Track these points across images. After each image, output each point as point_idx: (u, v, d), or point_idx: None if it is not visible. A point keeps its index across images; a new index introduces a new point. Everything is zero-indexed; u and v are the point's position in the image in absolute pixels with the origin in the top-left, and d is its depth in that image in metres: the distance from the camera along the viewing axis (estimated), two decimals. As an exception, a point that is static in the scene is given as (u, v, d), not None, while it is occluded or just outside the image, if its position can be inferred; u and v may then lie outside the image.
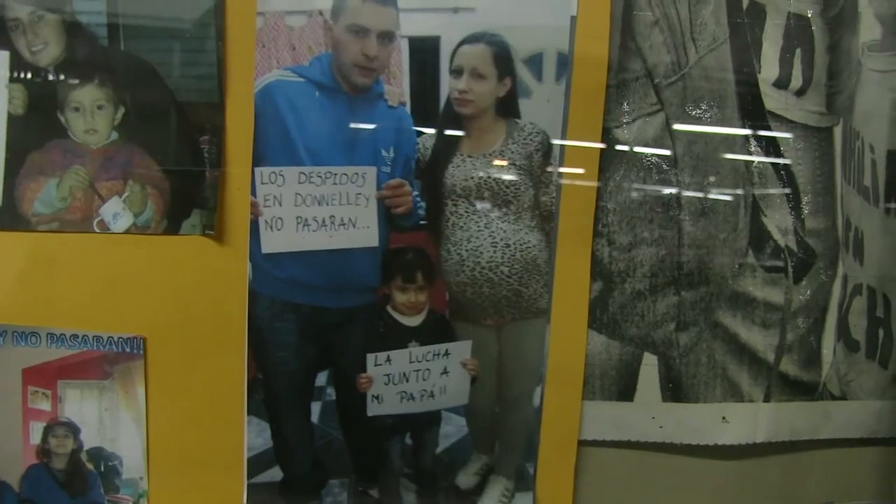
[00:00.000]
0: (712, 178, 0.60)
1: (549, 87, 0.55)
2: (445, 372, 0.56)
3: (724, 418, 0.61)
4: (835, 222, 0.63)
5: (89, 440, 0.55)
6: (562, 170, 0.54)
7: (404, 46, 0.53)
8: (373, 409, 0.55)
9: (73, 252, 0.53)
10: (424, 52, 0.53)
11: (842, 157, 0.63)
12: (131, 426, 0.55)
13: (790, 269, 0.62)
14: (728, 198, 0.60)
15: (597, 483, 0.60)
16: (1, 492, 0.54)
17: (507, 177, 0.55)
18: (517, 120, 0.55)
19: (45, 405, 0.55)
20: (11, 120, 0.52)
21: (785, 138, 0.62)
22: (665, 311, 0.59)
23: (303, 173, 0.53)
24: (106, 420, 0.55)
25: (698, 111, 0.59)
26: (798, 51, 0.62)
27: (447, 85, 0.54)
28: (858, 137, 0.64)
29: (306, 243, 0.53)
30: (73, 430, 0.55)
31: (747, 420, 0.61)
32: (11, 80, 0.52)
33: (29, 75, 0.52)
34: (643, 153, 0.59)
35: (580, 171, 0.56)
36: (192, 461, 0.55)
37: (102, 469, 0.55)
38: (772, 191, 0.61)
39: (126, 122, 0.52)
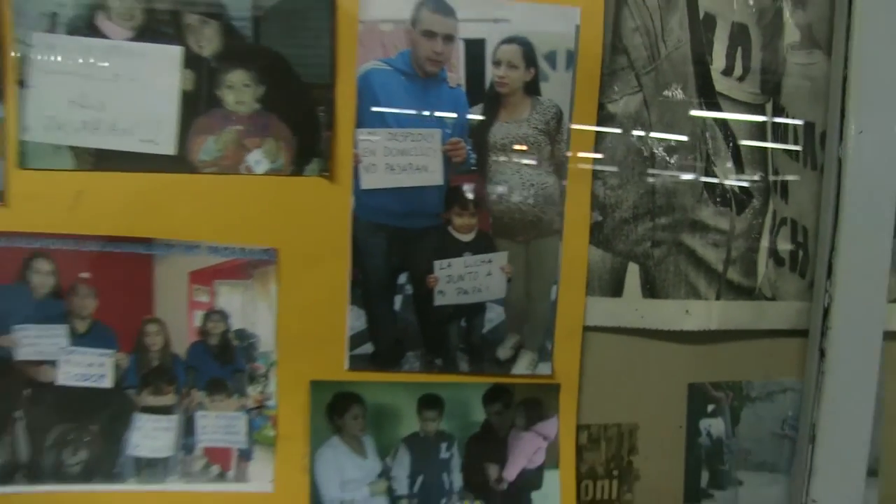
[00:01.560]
0: (677, 140, 0.82)
1: (560, 74, 0.76)
2: (489, 274, 0.77)
3: (687, 311, 0.82)
4: (766, 172, 0.84)
5: (235, 324, 0.76)
6: (573, 126, 0.76)
7: (461, 46, 0.74)
8: (438, 301, 0.76)
9: (227, 188, 0.74)
10: (475, 50, 0.74)
11: (771, 126, 0.85)
12: (266, 313, 0.76)
13: (733, 205, 0.83)
14: (689, 153, 0.82)
15: (596, 358, 0.81)
16: (173, 360, 0.75)
17: (532, 136, 0.76)
18: (539, 97, 0.76)
19: (205, 298, 0.76)
20: (184, 95, 0.73)
21: (729, 112, 0.84)
22: (643, 233, 0.80)
23: (390, 133, 0.74)
24: (248, 309, 0.76)
25: (668, 91, 0.81)
26: (739, 49, 0.83)
27: (490, 72, 0.76)
28: (783, 112, 0.86)
29: (392, 182, 0.74)
30: (224, 316, 0.76)
31: (704, 313, 0.83)
32: (184, 66, 0.73)
33: (197, 63, 0.73)
34: (627, 121, 0.81)
35: (583, 129, 0.77)
36: (310, 338, 0.76)
37: (244, 345, 0.76)
38: (721, 148, 0.83)
39: (266, 95, 0.73)
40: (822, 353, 0.80)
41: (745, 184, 0.82)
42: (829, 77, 0.83)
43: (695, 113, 0.80)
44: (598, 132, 0.77)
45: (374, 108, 0.73)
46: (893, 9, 0.78)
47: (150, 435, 0.75)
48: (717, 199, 0.81)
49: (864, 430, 0.81)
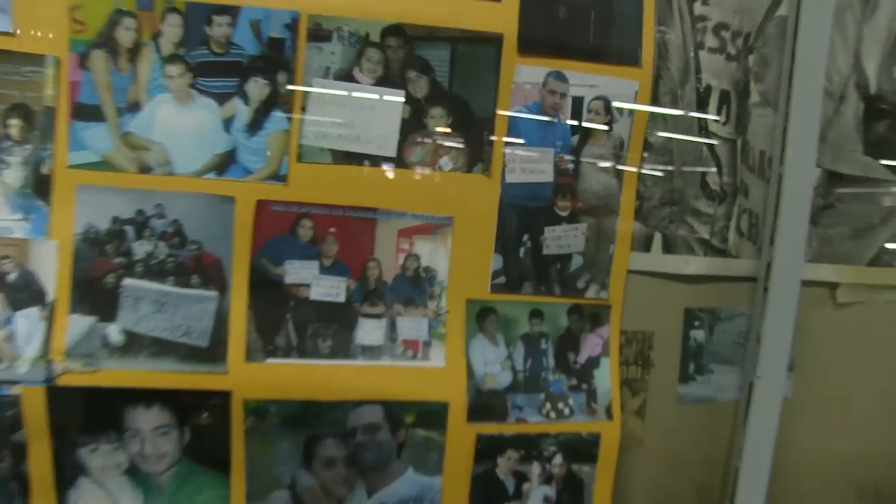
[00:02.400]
0: (685, 160, 1.32)
1: (625, 119, 1.22)
2: (576, 236, 1.22)
3: (686, 262, 1.30)
4: (736, 180, 1.34)
5: (424, 263, 1.21)
6: (629, 152, 1.25)
7: (569, 100, 1.21)
8: (545, 251, 1.22)
9: (426, 178, 1.18)
10: (577, 102, 1.21)
11: (741, 152, 1.35)
12: (443, 257, 1.19)
13: (717, 200, 1.34)
14: (693, 167, 1.32)
15: (633, 289, 1.29)
16: (384, 285, 1.19)
17: (606, 155, 1.24)
18: (611, 132, 1.22)
19: (406, 246, 1.19)
20: (403, 121, 1.16)
21: (715, 143, 1.34)
22: (664, 215, 1.30)
23: (525, 149, 1.20)
24: (432, 254, 1.20)
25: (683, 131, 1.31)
26: (724, 105, 1.34)
27: (585, 116, 1.22)
28: (748, 145, 1.36)
29: (524, 179, 1.21)
30: (417, 258, 1.20)
31: (697, 264, 1.32)
32: (405, 103, 1.16)
33: (412, 101, 1.16)
34: (659, 148, 1.30)
35: (634, 153, 1.25)
36: (468, 273, 1.20)
37: (428, 276, 1.21)
38: (710, 165, 1.33)
39: (453, 123, 1.17)
40: (766, 291, 1.32)
41: (724, 187, 1.33)
42: (776, 124, 1.32)
43: (696, 140, 1.31)
44: (642, 154, 1.27)
45: (516, 137, 1.20)
46: (816, 86, 1.30)
47: (368, 332, 1.20)
48: (708, 195, 1.31)
49: (787, 338, 1.33)
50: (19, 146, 1.05)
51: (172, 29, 1.07)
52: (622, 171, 1.23)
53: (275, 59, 1.10)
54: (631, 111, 1.22)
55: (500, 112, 1.17)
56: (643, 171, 1.25)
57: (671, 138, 1.27)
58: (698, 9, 1.26)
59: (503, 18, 1.15)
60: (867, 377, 1.44)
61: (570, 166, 1.21)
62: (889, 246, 1.41)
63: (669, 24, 1.24)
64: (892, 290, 1.42)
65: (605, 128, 1.21)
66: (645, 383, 1.32)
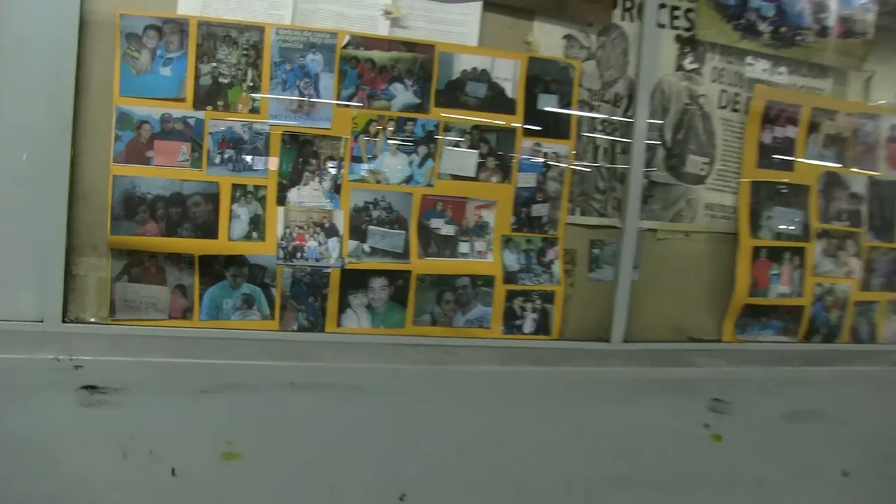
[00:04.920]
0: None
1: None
2: None
3: (589, 220, 3.05)
4: (612, 182, 3.08)
5: (485, 219, 2.88)
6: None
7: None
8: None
9: (485, 184, 2.85)
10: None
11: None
12: (493, 218, 2.88)
13: (604, 191, 3.07)
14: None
15: (568, 232, 3.01)
16: (469, 230, 2.86)
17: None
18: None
19: (479, 213, 2.87)
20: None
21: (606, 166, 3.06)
22: (579, 198, 3.02)
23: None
24: (489, 216, 2.88)
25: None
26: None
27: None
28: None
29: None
30: (483, 217, 2.87)
31: (597, 220, 3.05)
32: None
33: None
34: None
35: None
36: None
37: (486, 225, 2.88)
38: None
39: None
40: (623, 233, 3.04)
41: (606, 184, 3.05)
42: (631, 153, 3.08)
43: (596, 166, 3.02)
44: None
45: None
46: (643, 136, 3.02)
47: (462, 247, 2.86)
48: (598, 189, 3.04)
49: (632, 252, 3.07)
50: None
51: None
52: (565, 171, 2.95)
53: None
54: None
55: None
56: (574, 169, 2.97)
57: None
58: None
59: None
60: (674, 270, 3.21)
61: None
62: (680, 214, 3.17)
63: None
64: (681, 233, 3.19)
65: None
66: (573, 272, 3.05)
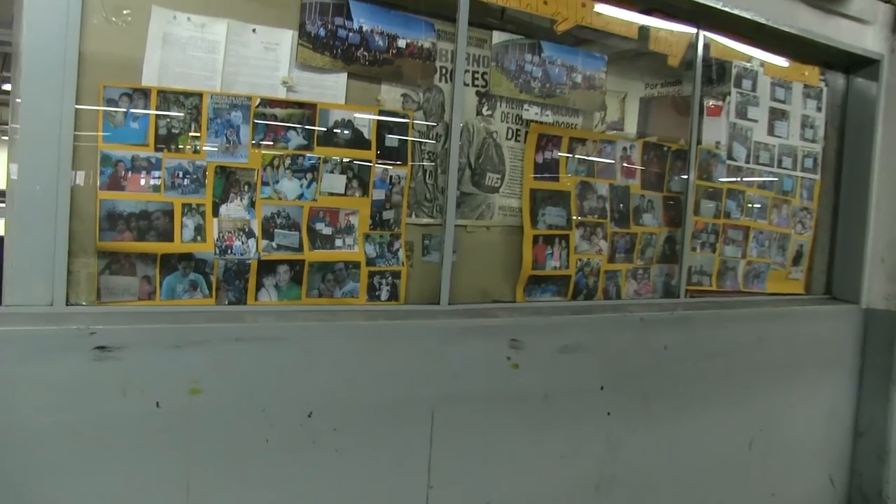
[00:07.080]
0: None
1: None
2: None
3: (423, 218, 4.35)
4: (437, 189, 4.41)
5: None
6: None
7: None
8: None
9: None
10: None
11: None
12: None
13: (433, 196, 4.39)
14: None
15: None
16: None
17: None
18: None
19: None
20: None
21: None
22: (423, 203, 4.32)
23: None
24: None
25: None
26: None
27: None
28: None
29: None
30: None
31: (429, 220, 4.39)
32: None
33: None
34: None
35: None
36: None
37: None
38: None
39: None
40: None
41: (436, 189, 4.38)
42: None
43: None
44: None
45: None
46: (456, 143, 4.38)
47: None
48: (429, 194, 4.35)
49: (451, 243, 4.43)
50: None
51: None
52: (404, 187, 4.24)
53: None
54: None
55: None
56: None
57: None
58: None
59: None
60: (481, 253, 4.61)
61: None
62: (483, 214, 4.58)
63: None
64: (484, 227, 4.60)
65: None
66: (412, 256, 4.34)
